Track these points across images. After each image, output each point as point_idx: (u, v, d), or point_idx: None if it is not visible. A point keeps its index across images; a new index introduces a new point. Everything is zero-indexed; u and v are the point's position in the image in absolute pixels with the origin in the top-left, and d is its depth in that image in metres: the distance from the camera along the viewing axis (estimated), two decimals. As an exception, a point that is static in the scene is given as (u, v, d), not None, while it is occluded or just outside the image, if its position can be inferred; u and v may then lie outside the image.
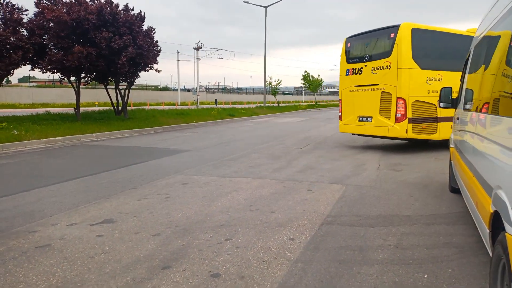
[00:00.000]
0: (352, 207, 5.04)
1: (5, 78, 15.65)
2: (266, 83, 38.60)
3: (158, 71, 17.68)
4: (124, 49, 14.80)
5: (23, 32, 14.21)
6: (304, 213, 4.76)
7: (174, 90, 58.62)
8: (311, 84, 52.68)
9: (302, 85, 57.81)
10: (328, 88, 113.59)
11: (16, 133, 11.41)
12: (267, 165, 8.16)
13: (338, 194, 5.68)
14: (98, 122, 15.54)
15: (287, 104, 52.26)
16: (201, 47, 35.44)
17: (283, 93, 79.31)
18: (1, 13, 13.70)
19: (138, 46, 15.23)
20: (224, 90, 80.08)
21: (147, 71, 17.21)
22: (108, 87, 18.47)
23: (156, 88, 61.16)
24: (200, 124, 19.45)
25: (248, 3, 34.09)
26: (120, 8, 15.71)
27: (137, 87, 47.38)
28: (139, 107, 30.34)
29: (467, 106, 4.36)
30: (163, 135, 14.41)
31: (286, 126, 19.64)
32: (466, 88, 4.77)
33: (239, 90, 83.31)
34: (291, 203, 5.21)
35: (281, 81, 44.37)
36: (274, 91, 44.13)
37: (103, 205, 5.14)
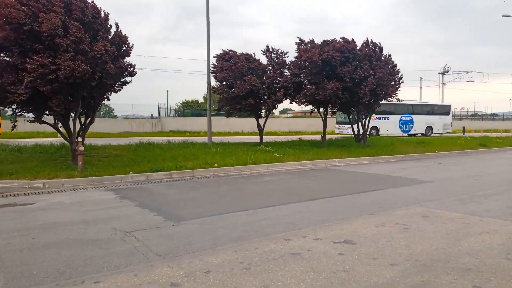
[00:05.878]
0: None
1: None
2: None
3: (399, 101, 17.52)
4: (365, 80, 15.62)
5: (286, 72, 17.23)
6: None
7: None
8: None
9: None
10: None
11: (277, 155, 13.89)
12: (534, 208, 6.67)
13: None
14: (340, 149, 16.76)
15: None
16: (447, 71, 32.74)
17: None
18: (272, 58, 17.12)
19: (378, 78, 15.77)
20: (474, 116, 69.47)
21: (388, 101, 17.36)
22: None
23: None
24: (443, 154, 17.74)
25: (509, 16, 29.01)
26: (360, 43, 16.85)
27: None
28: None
29: None
30: (401, 164, 14.04)
31: None
32: None
33: (493, 116, 70.24)
34: None
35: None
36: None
37: (344, 225, 5.59)
